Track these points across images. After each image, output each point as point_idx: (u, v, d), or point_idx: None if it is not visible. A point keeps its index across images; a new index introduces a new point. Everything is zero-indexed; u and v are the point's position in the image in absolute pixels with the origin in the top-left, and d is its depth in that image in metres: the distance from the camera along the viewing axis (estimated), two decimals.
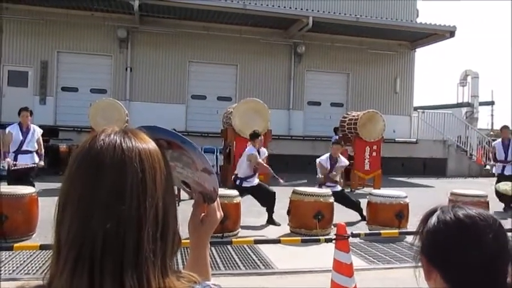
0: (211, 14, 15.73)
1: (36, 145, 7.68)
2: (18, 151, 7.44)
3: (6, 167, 7.41)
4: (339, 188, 7.95)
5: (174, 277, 0.76)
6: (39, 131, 7.75)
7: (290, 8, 15.82)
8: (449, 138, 18.30)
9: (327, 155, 8.16)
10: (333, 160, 7.98)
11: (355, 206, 7.92)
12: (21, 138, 7.45)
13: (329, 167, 7.89)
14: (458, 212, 1.00)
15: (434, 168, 17.51)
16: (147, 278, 0.70)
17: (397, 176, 15.52)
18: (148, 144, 0.77)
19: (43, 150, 7.98)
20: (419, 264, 1.04)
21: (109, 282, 0.68)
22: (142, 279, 0.70)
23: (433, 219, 1.01)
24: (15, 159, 7.39)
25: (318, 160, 8.12)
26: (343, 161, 8.19)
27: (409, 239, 6.61)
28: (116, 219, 0.69)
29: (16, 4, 15.31)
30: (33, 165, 7.57)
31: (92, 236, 0.69)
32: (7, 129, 7.59)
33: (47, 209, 6.99)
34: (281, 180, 7.67)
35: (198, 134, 14.91)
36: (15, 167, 7.31)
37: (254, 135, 7.64)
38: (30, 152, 7.58)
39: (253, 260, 5.51)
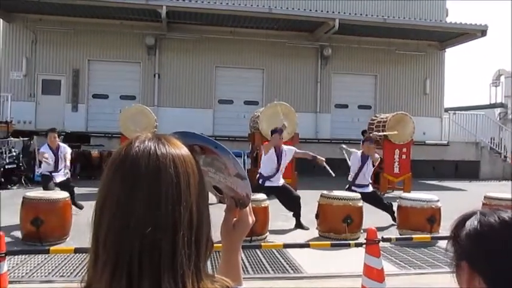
0: (237, 19, 15.85)
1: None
2: (54, 171, 7.55)
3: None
4: (370, 189, 7.79)
5: (208, 281, 0.77)
6: (68, 151, 7.80)
7: (316, 10, 15.77)
8: (482, 140, 17.79)
9: (359, 152, 7.99)
10: (365, 157, 7.76)
11: (387, 208, 7.76)
12: (54, 159, 7.52)
13: (361, 164, 7.69)
14: (502, 215, 0.97)
15: (467, 171, 17.05)
16: (183, 282, 0.72)
17: (428, 179, 15.19)
18: (182, 149, 0.79)
19: (68, 164, 7.95)
20: (455, 269, 1.00)
21: (147, 287, 0.70)
22: (179, 283, 0.72)
23: (474, 223, 0.97)
24: (52, 176, 7.50)
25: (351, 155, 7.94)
26: (376, 156, 7.84)
27: (442, 243, 6.45)
28: (152, 224, 0.71)
29: (49, 15, 15.83)
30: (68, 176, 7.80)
31: (130, 241, 0.71)
32: (41, 150, 7.69)
33: (80, 213, 7.18)
34: (330, 172, 7.57)
35: (225, 138, 15.00)
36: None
37: (271, 132, 7.61)
38: (62, 168, 7.75)
39: (282, 264, 5.50)
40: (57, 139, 7.62)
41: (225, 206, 1.02)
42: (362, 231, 6.70)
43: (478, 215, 0.99)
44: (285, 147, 7.64)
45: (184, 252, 0.73)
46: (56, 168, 7.55)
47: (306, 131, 15.12)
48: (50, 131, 7.73)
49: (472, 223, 0.97)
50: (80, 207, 7.63)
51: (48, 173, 7.52)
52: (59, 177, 7.60)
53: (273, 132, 7.58)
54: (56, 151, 7.55)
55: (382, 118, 12.93)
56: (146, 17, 15.72)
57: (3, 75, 16.01)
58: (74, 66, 16.23)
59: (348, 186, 7.78)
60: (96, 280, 0.72)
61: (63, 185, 7.42)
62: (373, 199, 7.66)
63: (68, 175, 7.86)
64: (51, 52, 16.12)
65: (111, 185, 0.74)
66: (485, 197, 7.49)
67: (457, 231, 1.00)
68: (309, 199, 7.46)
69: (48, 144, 7.59)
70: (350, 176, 7.86)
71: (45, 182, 7.49)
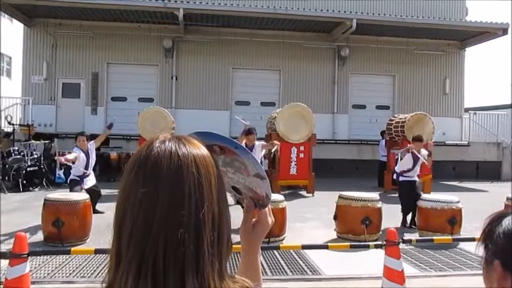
0: (253, 21, 15.87)
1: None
2: (84, 176, 7.64)
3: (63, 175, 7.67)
4: (416, 178, 7.95)
5: (229, 281, 0.77)
6: (93, 143, 7.92)
7: (333, 11, 15.68)
8: (504, 140, 17.44)
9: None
10: (415, 156, 7.88)
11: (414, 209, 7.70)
12: (85, 162, 7.63)
13: (412, 163, 7.87)
14: None
15: (488, 171, 16.74)
16: (207, 282, 0.72)
17: (449, 180, 14.96)
18: (201, 149, 0.79)
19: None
20: (485, 266, 0.97)
21: (172, 286, 0.70)
22: (203, 283, 0.72)
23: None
24: (82, 182, 7.59)
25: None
26: (424, 153, 8.10)
27: (463, 245, 6.34)
28: (176, 224, 0.71)
29: (68, 20, 16.11)
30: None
31: (154, 241, 0.71)
32: (73, 150, 7.70)
33: (100, 215, 7.27)
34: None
35: None
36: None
37: (245, 132, 8.26)
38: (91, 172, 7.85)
39: (300, 265, 5.47)
40: (86, 142, 7.69)
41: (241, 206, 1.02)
42: (381, 232, 6.64)
43: None
44: (257, 143, 8.16)
45: (208, 251, 0.73)
46: (86, 169, 7.64)
47: (323, 132, 15.04)
48: (79, 134, 7.88)
49: (510, 222, 0.94)
50: (101, 213, 7.66)
51: (77, 178, 7.57)
52: (88, 183, 7.67)
53: (246, 133, 8.18)
54: (86, 153, 7.68)
55: (400, 118, 12.78)
56: (164, 19, 15.86)
57: (25, 79, 16.34)
58: (93, 69, 16.46)
59: (397, 176, 8.08)
60: (118, 280, 0.72)
61: (90, 191, 7.45)
62: (412, 188, 7.68)
63: (94, 179, 7.91)
64: (70, 56, 16.38)
65: (133, 186, 0.74)
66: (507, 198, 7.34)
67: (491, 228, 0.97)
68: (327, 200, 7.42)
69: (78, 147, 7.67)
70: (398, 167, 8.11)
71: (72, 186, 7.53)
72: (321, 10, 15.64)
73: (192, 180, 0.74)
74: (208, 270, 0.73)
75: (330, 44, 17.27)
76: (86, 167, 7.67)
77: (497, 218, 0.97)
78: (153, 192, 0.72)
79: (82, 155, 7.59)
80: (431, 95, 18.02)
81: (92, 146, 7.83)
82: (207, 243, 0.73)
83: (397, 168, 8.21)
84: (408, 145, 8.32)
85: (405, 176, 7.95)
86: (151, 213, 0.72)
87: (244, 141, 7.98)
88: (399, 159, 8.26)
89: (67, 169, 8.19)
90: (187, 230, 0.72)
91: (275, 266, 5.43)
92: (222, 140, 0.90)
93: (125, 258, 0.72)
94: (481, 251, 0.99)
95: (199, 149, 0.78)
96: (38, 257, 5.36)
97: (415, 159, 7.89)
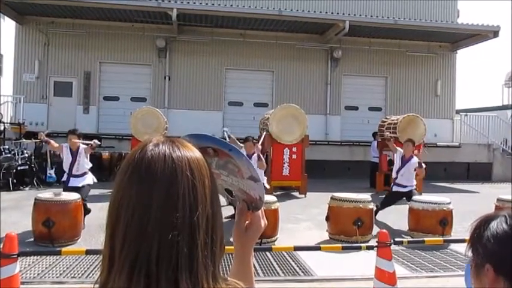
0: (247, 21, 15.87)
1: (87, 165, 7.38)
2: (70, 175, 7.22)
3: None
4: (410, 188, 7.82)
5: (223, 283, 0.77)
6: (83, 147, 7.33)
7: (326, 12, 15.74)
8: (494, 141, 17.61)
9: (399, 153, 8.12)
10: (405, 159, 7.91)
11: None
12: (70, 160, 7.20)
13: (400, 165, 7.88)
14: None
15: (479, 173, 16.87)
16: (200, 283, 0.73)
17: (440, 181, 15.05)
18: (195, 152, 0.79)
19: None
20: (475, 270, 0.96)
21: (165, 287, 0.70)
22: (197, 285, 0.72)
23: (503, 225, 0.93)
24: (68, 181, 7.22)
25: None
26: (415, 160, 7.91)
27: (454, 246, 6.39)
28: (170, 226, 0.72)
29: (61, 18, 15.99)
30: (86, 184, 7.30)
31: (148, 244, 0.71)
32: (63, 145, 7.31)
33: (91, 215, 7.21)
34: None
35: None
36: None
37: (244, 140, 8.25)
38: (82, 175, 7.29)
39: (292, 266, 5.48)
40: (77, 141, 7.20)
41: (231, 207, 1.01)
42: (372, 233, 6.66)
43: (506, 217, 0.95)
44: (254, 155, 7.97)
45: (201, 253, 0.73)
46: (70, 171, 7.22)
47: (315, 133, 15.07)
48: (70, 132, 7.34)
49: (499, 225, 0.93)
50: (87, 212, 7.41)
51: (66, 178, 7.24)
52: (75, 182, 7.20)
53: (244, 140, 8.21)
54: (75, 153, 7.22)
55: (392, 120, 12.85)
56: (157, 19, 15.81)
57: (16, 77, 16.20)
58: (85, 68, 16.36)
59: (392, 184, 8.11)
60: (111, 281, 0.72)
61: (76, 189, 7.17)
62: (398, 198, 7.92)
63: (87, 180, 7.35)
64: (63, 54, 16.28)
65: (127, 188, 0.74)
66: (498, 199, 7.40)
67: (480, 232, 0.96)
68: (320, 201, 7.44)
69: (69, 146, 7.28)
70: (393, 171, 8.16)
71: (65, 187, 7.27)
72: (314, 11, 15.69)
73: (186, 183, 0.74)
74: (202, 273, 0.73)
75: (323, 45, 17.32)
76: (70, 169, 7.20)
77: (485, 222, 0.97)
78: (147, 195, 0.73)
79: (66, 153, 7.19)
80: (423, 96, 18.14)
81: (84, 149, 7.27)
82: (201, 245, 0.73)
83: (393, 174, 8.12)
84: (386, 134, 8.49)
85: (398, 185, 7.88)
86: (145, 215, 0.72)
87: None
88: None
89: (59, 168, 7.92)
90: (182, 233, 0.72)
91: (267, 267, 5.43)
92: (216, 142, 0.90)
93: (118, 260, 0.72)
94: (469, 254, 0.99)
95: (193, 152, 0.79)
96: (28, 257, 5.31)
97: (404, 162, 7.87)
